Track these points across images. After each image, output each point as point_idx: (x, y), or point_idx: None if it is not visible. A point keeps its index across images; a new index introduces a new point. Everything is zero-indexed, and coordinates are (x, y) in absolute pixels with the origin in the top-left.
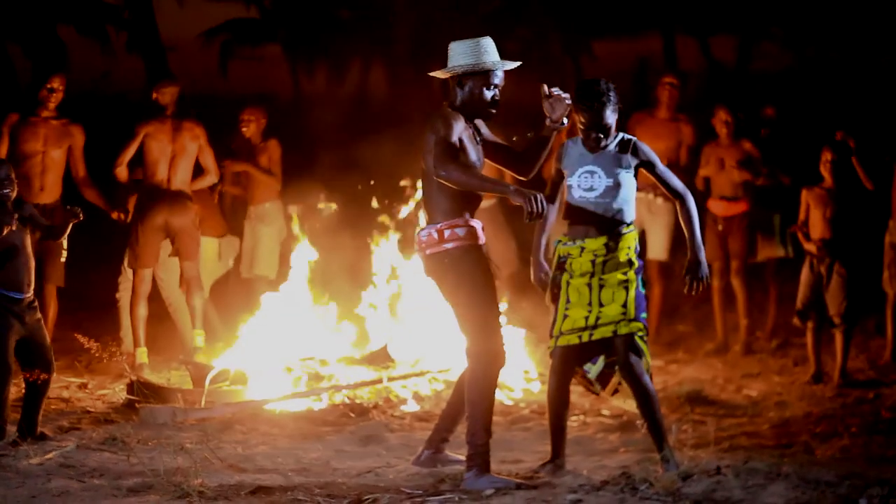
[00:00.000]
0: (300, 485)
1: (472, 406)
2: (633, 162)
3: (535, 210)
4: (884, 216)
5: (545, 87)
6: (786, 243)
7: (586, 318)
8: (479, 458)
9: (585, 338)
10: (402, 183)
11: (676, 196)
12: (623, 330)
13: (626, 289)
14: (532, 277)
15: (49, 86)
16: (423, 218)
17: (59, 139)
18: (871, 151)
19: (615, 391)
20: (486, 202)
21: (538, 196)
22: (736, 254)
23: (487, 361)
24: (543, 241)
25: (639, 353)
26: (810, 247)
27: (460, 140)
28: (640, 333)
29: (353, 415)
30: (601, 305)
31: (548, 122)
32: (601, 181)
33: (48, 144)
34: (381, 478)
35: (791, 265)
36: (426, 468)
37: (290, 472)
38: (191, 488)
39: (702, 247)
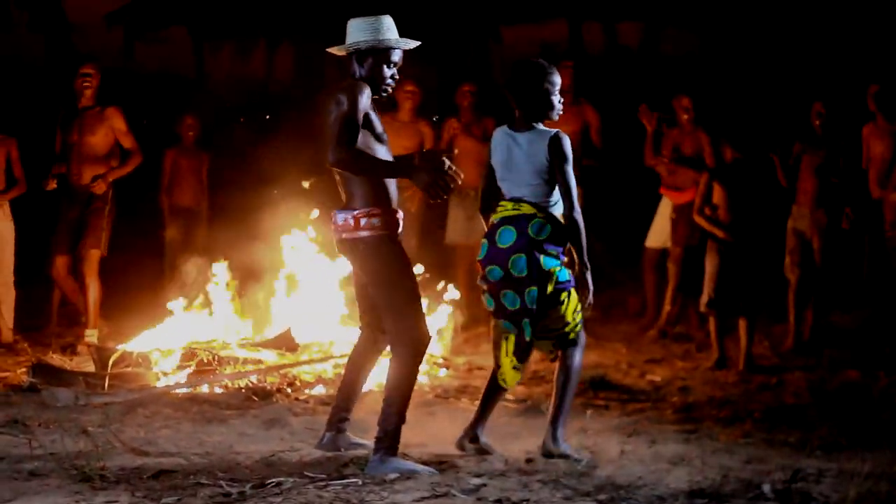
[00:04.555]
0: (203, 468)
1: (390, 390)
2: None
3: (438, 196)
4: (786, 202)
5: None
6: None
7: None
8: (388, 442)
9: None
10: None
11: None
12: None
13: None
14: None
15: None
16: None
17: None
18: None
19: (554, 358)
20: None
21: (443, 177)
22: (679, 241)
23: (410, 348)
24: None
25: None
26: (719, 232)
27: (367, 115)
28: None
29: (256, 398)
30: None
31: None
32: None
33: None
34: (285, 462)
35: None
36: (329, 451)
37: (192, 455)
38: (92, 472)
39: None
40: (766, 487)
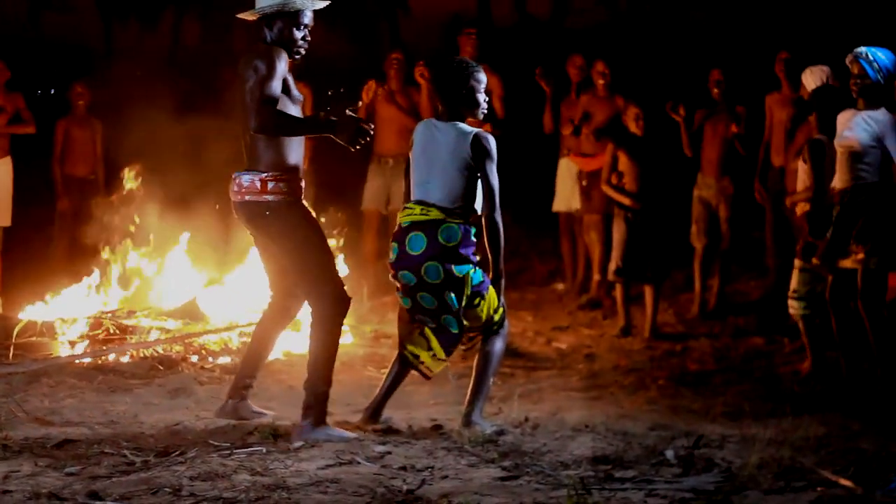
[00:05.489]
0: (107, 438)
1: (313, 355)
2: None
3: (358, 144)
4: (692, 170)
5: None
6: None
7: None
8: (317, 408)
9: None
10: None
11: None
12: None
13: None
14: None
15: None
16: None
17: None
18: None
19: (468, 349)
20: None
21: (361, 129)
22: (597, 209)
23: (331, 309)
24: None
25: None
26: (626, 200)
27: (284, 79)
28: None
29: (161, 367)
30: None
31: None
32: None
33: None
34: (190, 430)
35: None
36: (230, 419)
37: (97, 425)
38: None
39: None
40: (670, 453)
